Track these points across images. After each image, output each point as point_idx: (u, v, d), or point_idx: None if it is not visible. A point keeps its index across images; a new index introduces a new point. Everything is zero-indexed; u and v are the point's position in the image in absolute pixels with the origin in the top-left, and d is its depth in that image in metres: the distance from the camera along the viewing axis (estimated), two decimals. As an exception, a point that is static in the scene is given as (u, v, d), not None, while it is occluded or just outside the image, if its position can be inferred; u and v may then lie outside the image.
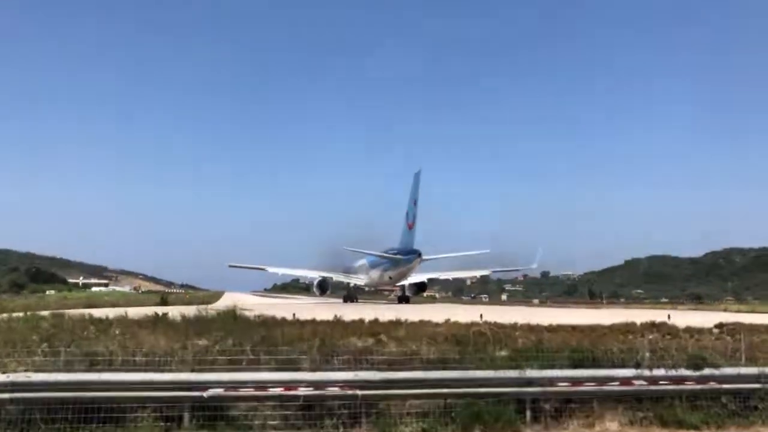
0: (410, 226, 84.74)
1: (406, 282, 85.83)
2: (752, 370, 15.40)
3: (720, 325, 34.48)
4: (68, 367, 13.50)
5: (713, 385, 14.82)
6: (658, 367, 15.24)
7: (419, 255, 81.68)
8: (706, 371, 15.04)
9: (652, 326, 39.43)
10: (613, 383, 14.47)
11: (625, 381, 14.56)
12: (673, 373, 14.94)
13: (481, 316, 38.71)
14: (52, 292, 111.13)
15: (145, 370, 13.67)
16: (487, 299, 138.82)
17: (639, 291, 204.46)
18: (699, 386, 14.79)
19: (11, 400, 12.39)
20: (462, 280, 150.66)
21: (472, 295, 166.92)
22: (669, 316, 50.64)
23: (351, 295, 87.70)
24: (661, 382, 14.69)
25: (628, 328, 35.39)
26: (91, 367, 13.62)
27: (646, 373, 14.81)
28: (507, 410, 13.68)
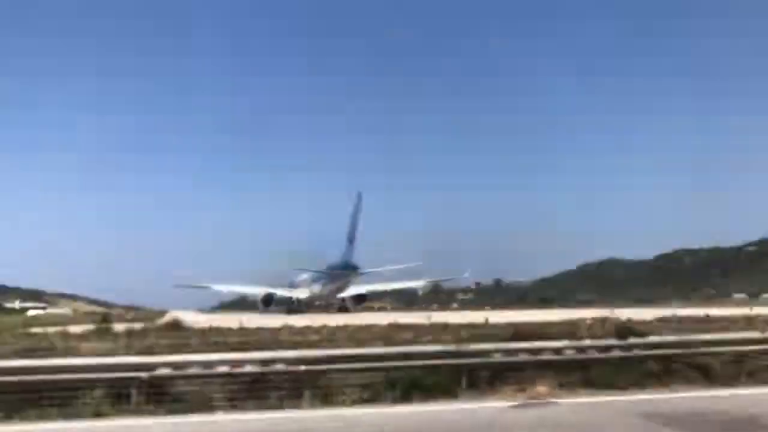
0: (351, 243, 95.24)
1: (346, 294, 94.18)
2: (674, 338, 16.61)
3: (661, 318, 36.36)
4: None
5: (637, 352, 15.85)
6: (588, 338, 16.37)
7: (355, 269, 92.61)
8: (632, 340, 16.12)
9: (597, 321, 41.02)
10: (546, 353, 15.39)
11: (557, 350, 15.51)
12: (601, 342, 16.00)
13: (429, 317, 39.69)
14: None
15: (93, 356, 14.15)
16: (437, 308, 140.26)
17: (590, 296, 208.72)
18: (624, 353, 15.79)
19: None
20: (414, 291, 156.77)
21: (423, 305, 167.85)
22: (612, 311, 52.61)
23: (294, 308, 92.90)
24: (589, 351, 15.67)
25: (574, 323, 36.89)
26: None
27: (576, 343, 15.83)
28: (445, 379, 14.44)
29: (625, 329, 17.23)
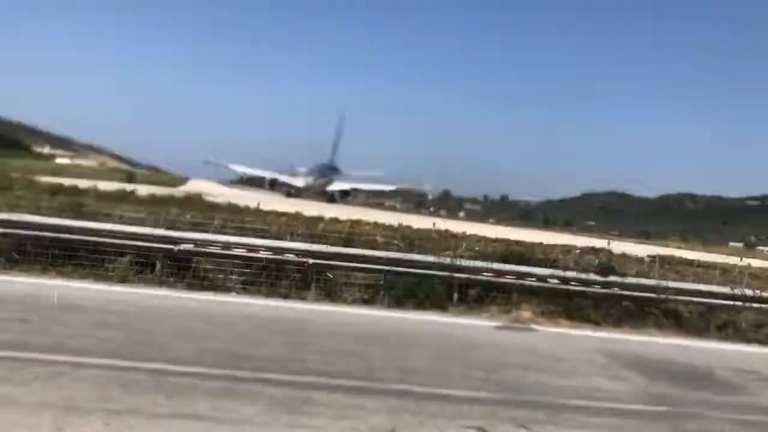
0: (335, 150, 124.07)
1: (335, 188, 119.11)
2: (651, 282, 17.75)
3: (653, 255, 37.45)
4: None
5: (615, 290, 17.07)
6: (572, 270, 17.56)
7: (337, 170, 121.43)
8: (612, 278, 17.31)
9: (591, 249, 42.53)
10: (531, 278, 16.64)
11: (541, 278, 16.74)
12: (583, 276, 17.18)
13: (434, 224, 41.10)
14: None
15: (123, 223, 15.50)
16: (446, 214, 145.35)
17: (591, 222, 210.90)
18: (603, 290, 17.01)
19: (4, 234, 13.96)
20: (424, 195, 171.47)
21: (432, 209, 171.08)
22: (609, 243, 53.97)
23: (292, 193, 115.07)
24: (571, 283, 16.88)
25: (568, 249, 38.26)
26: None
27: (560, 273, 17.03)
28: (438, 290, 15.80)
29: (607, 266, 18.35)
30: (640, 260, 34.73)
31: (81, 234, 14.29)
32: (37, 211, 15.41)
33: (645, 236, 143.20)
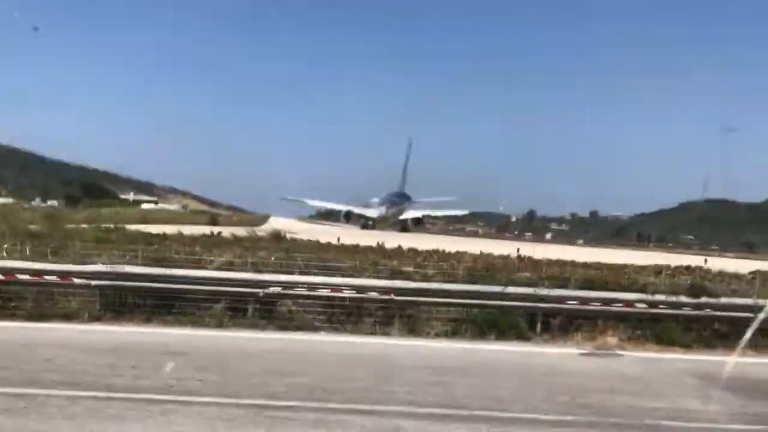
0: (404, 178, 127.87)
1: (408, 216, 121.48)
2: (747, 301, 17.11)
3: (755, 272, 35.55)
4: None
5: (708, 311, 16.62)
6: (660, 293, 17.22)
7: (409, 198, 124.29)
8: (704, 299, 16.86)
9: (686, 269, 40.75)
10: (617, 304, 16.48)
11: (628, 303, 16.54)
12: (672, 299, 16.84)
13: (518, 250, 40.65)
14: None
15: (215, 269, 16.60)
16: (531, 237, 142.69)
17: (690, 236, 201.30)
18: (695, 312, 16.62)
19: (111, 286, 15.30)
20: (507, 217, 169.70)
21: (516, 232, 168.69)
22: (706, 261, 51.47)
23: (367, 224, 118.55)
24: (660, 306, 16.60)
25: (659, 269, 36.88)
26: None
27: (648, 297, 16.76)
28: (520, 321, 15.92)
29: (699, 287, 17.86)
30: (740, 278, 33.15)
31: (177, 283, 15.42)
32: (135, 262, 16.68)
33: (748, 248, 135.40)
